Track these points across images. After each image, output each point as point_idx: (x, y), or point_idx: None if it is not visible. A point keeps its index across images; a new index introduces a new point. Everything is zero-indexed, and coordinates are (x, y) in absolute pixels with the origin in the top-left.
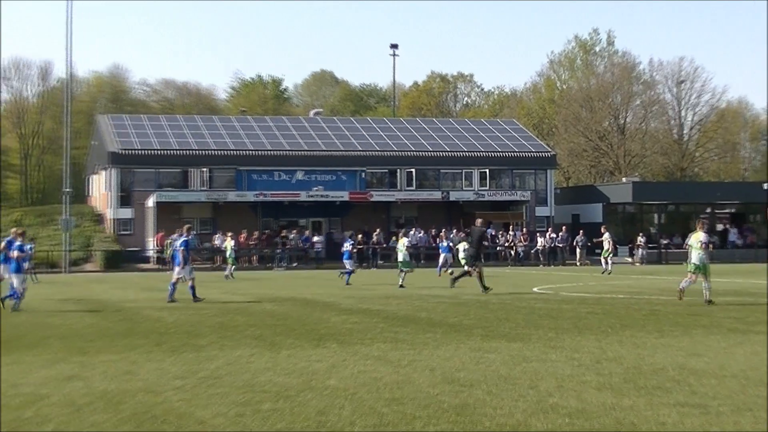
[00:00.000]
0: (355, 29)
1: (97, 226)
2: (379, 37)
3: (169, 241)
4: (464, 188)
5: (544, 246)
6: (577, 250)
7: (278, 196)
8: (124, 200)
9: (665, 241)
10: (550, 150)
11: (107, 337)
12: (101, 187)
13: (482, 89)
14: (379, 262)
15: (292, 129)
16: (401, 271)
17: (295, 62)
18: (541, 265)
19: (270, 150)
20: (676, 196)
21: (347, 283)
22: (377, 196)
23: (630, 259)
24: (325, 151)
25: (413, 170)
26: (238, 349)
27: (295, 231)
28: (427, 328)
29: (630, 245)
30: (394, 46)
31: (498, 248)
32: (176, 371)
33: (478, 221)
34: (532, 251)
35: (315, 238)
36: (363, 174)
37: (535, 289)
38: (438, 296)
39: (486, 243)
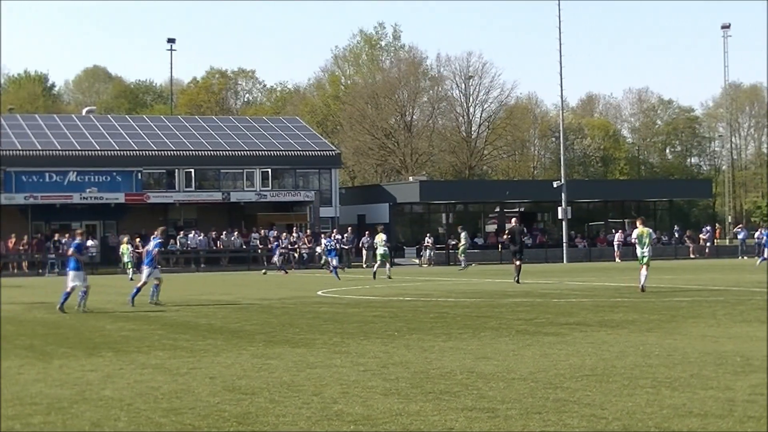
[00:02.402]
0: (130, 23)
1: None
2: (155, 32)
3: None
4: (246, 189)
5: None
6: (364, 252)
7: (50, 198)
8: None
9: (453, 242)
10: (334, 148)
11: None
12: None
13: (264, 85)
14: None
15: (63, 128)
16: (383, 262)
17: (66, 57)
18: (324, 268)
19: (40, 150)
20: (464, 195)
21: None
22: (155, 197)
23: (417, 261)
24: (99, 150)
25: (192, 170)
26: (6, 359)
27: (67, 235)
28: (207, 334)
29: (417, 246)
30: (171, 41)
31: (280, 251)
32: None
33: (513, 220)
34: (317, 253)
35: (89, 242)
36: (139, 174)
37: (319, 293)
38: (218, 301)
39: (525, 239)
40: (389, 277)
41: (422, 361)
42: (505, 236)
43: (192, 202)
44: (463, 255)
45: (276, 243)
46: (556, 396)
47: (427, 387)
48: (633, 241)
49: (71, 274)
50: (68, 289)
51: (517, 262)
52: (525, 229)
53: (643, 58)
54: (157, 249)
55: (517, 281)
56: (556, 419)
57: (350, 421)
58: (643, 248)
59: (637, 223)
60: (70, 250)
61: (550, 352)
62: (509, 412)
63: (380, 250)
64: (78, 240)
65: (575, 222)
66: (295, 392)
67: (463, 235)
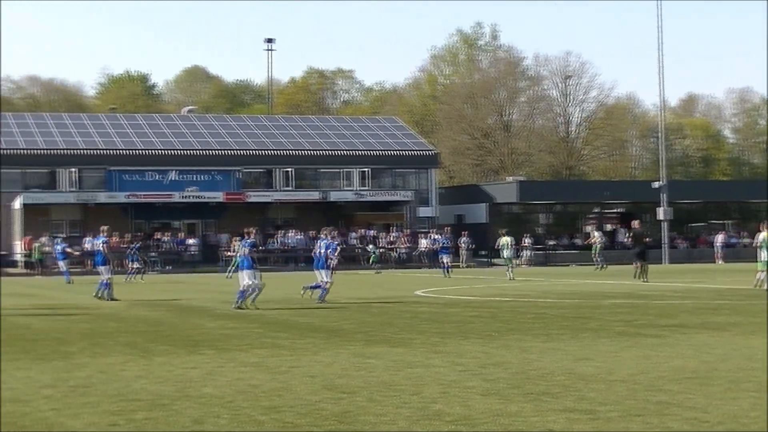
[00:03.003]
0: (229, 22)
1: None
2: (254, 31)
3: (37, 244)
4: (344, 188)
5: (427, 248)
6: (462, 252)
7: (150, 197)
8: None
9: (552, 242)
10: (432, 148)
11: None
12: None
13: (362, 85)
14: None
15: (164, 127)
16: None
17: (167, 57)
18: (424, 268)
19: (142, 149)
20: (563, 196)
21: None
22: (253, 196)
23: (516, 261)
24: (198, 150)
25: (291, 170)
26: (109, 356)
27: (168, 233)
28: (306, 333)
29: (516, 247)
30: (270, 41)
31: (379, 250)
32: (45, 380)
33: (635, 223)
34: (415, 253)
35: (189, 241)
36: (238, 174)
37: (418, 293)
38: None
39: (646, 240)
40: (511, 279)
41: (521, 362)
42: (628, 238)
43: (290, 201)
44: (600, 254)
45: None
46: (658, 398)
47: (526, 388)
48: (756, 245)
49: (246, 272)
50: (242, 288)
51: (640, 263)
52: (647, 232)
53: (745, 57)
54: (248, 248)
55: (645, 280)
56: (658, 422)
57: (449, 421)
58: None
59: (762, 227)
60: (246, 250)
61: (651, 353)
62: (610, 414)
63: (507, 254)
64: (251, 239)
65: (675, 223)
66: (394, 391)
67: (597, 234)
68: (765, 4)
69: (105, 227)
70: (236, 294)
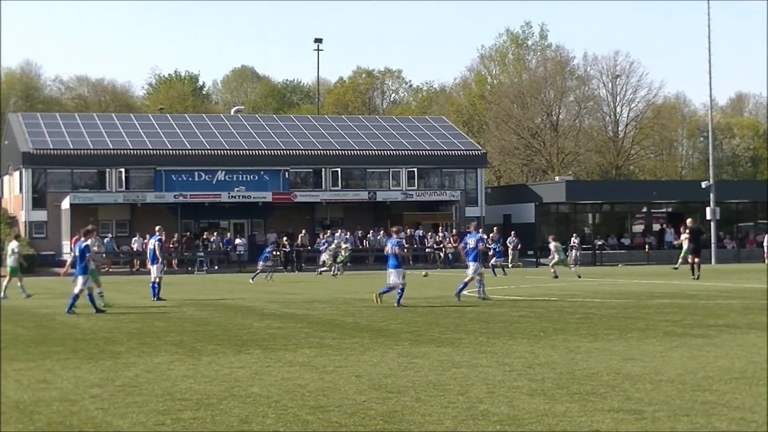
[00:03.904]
0: (277, 23)
1: (10, 229)
2: (302, 31)
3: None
4: (392, 188)
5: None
6: (509, 252)
7: (198, 197)
8: (38, 202)
9: (600, 242)
10: (480, 148)
11: (21, 344)
12: (14, 189)
13: (410, 85)
14: (303, 264)
15: (212, 127)
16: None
17: (215, 57)
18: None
19: (190, 149)
20: (610, 196)
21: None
22: (301, 196)
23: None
24: (246, 150)
25: (338, 170)
26: (157, 355)
27: (216, 233)
28: (353, 333)
29: (564, 246)
30: (318, 41)
31: (427, 250)
32: (93, 379)
33: (689, 221)
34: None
35: (237, 241)
36: (286, 174)
37: (464, 292)
38: (364, 300)
39: (703, 237)
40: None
41: (568, 362)
42: (684, 235)
43: (338, 201)
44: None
45: (268, 248)
46: (705, 399)
47: (573, 388)
48: None
49: (393, 271)
50: (391, 285)
51: (696, 259)
52: (702, 229)
53: None
54: (397, 247)
55: (696, 278)
56: (705, 422)
57: (496, 421)
58: None
59: None
60: (396, 249)
61: (698, 354)
62: (657, 414)
63: (558, 257)
64: (399, 237)
65: (724, 223)
66: (441, 391)
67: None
68: None
69: (158, 227)
70: (384, 288)
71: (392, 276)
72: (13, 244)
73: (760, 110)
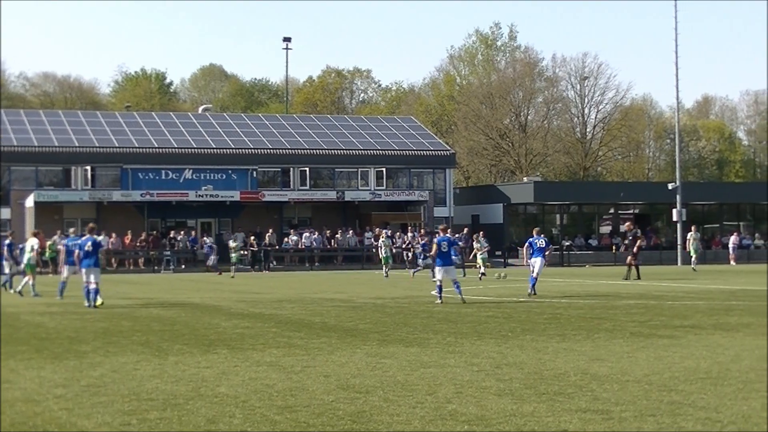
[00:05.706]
0: (246, 21)
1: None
2: (271, 30)
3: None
4: (360, 188)
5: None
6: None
7: (165, 196)
8: (2, 200)
9: (567, 243)
10: (449, 148)
11: None
12: None
13: (379, 85)
14: (272, 264)
15: (179, 125)
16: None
17: (182, 55)
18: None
19: (157, 147)
20: (578, 197)
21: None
22: (269, 195)
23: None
24: (214, 148)
25: (307, 169)
26: (123, 355)
27: (183, 232)
28: (321, 332)
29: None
30: (287, 40)
31: (395, 250)
32: (57, 379)
33: (628, 224)
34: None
35: (204, 240)
36: (254, 173)
37: (433, 293)
38: (332, 299)
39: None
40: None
41: (536, 362)
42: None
43: (306, 200)
44: (695, 254)
45: (209, 245)
46: (671, 399)
47: (541, 388)
48: None
49: (438, 269)
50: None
51: (634, 261)
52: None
53: (760, 59)
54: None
55: (626, 278)
56: (671, 422)
57: (464, 421)
58: None
59: None
60: (456, 247)
61: (665, 354)
62: (623, 414)
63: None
64: (450, 236)
65: (690, 224)
66: (409, 391)
67: (691, 235)
68: None
69: (91, 224)
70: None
71: (442, 273)
72: (32, 241)
73: (725, 113)
